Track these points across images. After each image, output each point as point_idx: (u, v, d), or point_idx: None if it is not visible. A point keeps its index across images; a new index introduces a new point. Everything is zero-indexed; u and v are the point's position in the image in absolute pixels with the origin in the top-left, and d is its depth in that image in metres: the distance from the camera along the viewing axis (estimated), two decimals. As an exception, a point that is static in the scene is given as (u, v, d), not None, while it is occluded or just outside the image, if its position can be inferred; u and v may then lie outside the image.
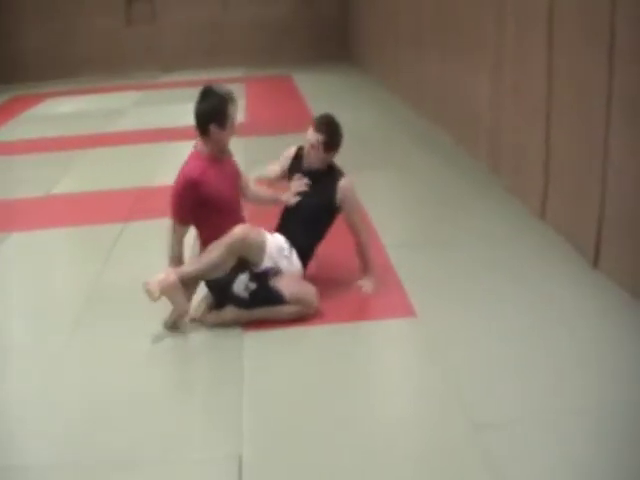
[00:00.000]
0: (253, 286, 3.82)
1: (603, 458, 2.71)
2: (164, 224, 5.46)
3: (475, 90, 6.72)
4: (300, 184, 4.13)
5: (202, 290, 3.97)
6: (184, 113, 10.20)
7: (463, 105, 7.13)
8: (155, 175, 6.92)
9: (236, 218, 3.92)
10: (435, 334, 3.67)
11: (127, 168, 7.35)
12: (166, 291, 3.71)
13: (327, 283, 4.16)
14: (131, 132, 9.19)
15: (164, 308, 4.04)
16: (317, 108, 9.97)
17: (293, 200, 4.11)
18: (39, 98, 12.54)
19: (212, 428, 3.08)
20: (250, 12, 14.94)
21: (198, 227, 3.93)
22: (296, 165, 4.26)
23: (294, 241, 4.03)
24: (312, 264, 4.23)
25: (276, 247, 3.92)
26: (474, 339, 3.60)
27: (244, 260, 3.80)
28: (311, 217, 4.09)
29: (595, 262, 4.27)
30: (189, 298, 3.86)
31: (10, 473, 2.84)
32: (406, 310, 3.93)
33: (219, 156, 3.91)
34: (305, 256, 4.11)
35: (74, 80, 14.38)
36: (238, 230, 3.75)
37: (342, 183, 4.08)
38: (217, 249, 3.74)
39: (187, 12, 15.04)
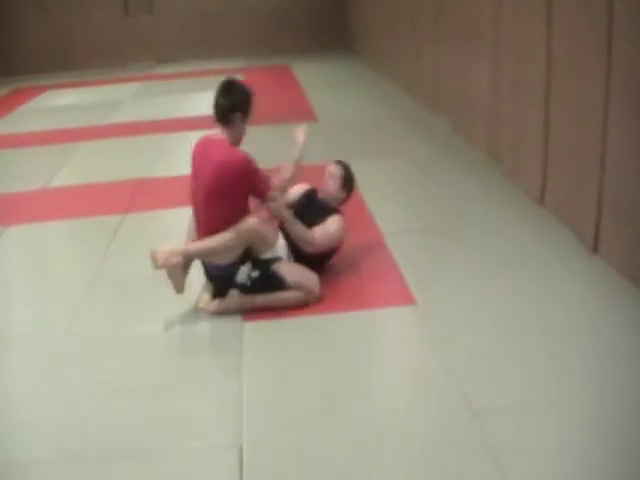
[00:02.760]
0: (256, 274, 3.84)
1: (602, 445, 2.71)
2: (163, 215, 5.53)
3: (474, 77, 6.70)
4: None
5: (204, 279, 3.98)
6: (183, 104, 10.32)
7: (461, 92, 7.11)
8: (154, 167, 6.93)
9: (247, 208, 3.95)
10: (435, 321, 3.68)
11: (126, 160, 7.34)
12: (167, 268, 3.78)
13: (327, 272, 4.17)
14: (130, 124, 9.17)
15: (164, 299, 4.07)
16: (316, 98, 10.00)
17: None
18: (38, 90, 12.51)
19: (212, 417, 3.08)
20: (248, 2, 14.88)
21: (228, 211, 3.83)
22: (306, 201, 4.30)
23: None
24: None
25: (284, 248, 3.98)
26: (474, 326, 3.60)
27: (249, 251, 3.83)
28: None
29: (594, 248, 4.26)
30: (186, 276, 3.89)
31: (9, 467, 2.85)
32: (406, 298, 3.93)
33: (238, 146, 3.95)
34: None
35: (73, 72, 14.34)
36: (253, 221, 3.79)
37: (335, 217, 4.14)
38: (231, 233, 3.76)
39: (185, 3, 14.98)
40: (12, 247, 5.21)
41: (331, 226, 4.10)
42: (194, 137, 8.59)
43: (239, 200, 3.86)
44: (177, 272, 3.79)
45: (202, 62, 14.31)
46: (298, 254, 4.02)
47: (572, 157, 4.60)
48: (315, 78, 11.62)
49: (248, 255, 3.84)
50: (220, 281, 3.89)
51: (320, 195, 4.31)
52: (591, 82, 4.25)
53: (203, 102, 10.44)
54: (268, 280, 3.85)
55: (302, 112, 8.70)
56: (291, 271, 3.89)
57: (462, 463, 2.67)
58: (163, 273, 3.81)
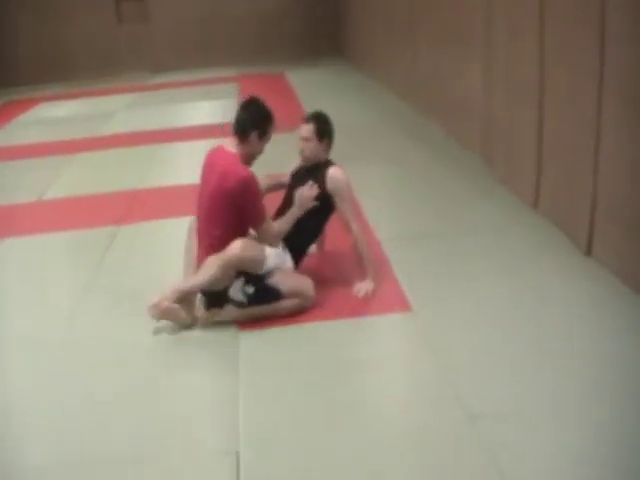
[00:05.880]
0: (251, 290, 3.83)
1: (599, 448, 2.71)
2: (158, 226, 5.53)
3: (467, 81, 6.73)
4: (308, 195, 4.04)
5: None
6: (178, 114, 10.33)
7: (455, 96, 7.13)
8: (149, 177, 6.93)
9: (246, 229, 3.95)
10: (431, 328, 3.68)
11: (120, 171, 7.33)
12: (163, 316, 3.78)
13: (323, 279, 4.17)
14: (124, 134, 9.18)
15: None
16: (310, 105, 9.92)
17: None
18: (32, 102, 12.52)
19: (209, 423, 3.08)
20: (242, 10, 14.91)
21: (229, 230, 3.84)
22: (296, 174, 4.26)
23: (290, 237, 4.03)
24: (312, 260, 4.24)
25: (275, 255, 3.93)
26: (469, 331, 3.60)
27: (240, 271, 3.82)
28: (307, 210, 4.08)
29: (588, 250, 4.27)
30: (191, 308, 3.87)
31: (6, 471, 2.85)
32: (401, 304, 3.93)
33: (249, 164, 3.93)
34: (300, 253, 4.12)
35: (67, 82, 14.36)
36: (236, 246, 3.75)
37: (331, 171, 4.10)
38: (215, 264, 3.75)
39: (178, 11, 15.00)
40: (7, 260, 5.21)
41: (349, 195, 4.11)
42: (189, 147, 8.63)
43: (235, 216, 3.83)
44: (175, 314, 3.78)
45: (197, 71, 14.34)
46: (295, 244, 4.02)
47: (566, 160, 4.61)
48: (310, 84, 11.64)
49: (240, 273, 3.82)
50: (214, 296, 3.89)
51: (304, 163, 4.20)
52: (584, 85, 4.26)
53: (198, 112, 10.55)
54: (264, 294, 3.84)
55: (296, 119, 8.72)
56: (285, 280, 3.89)
57: (459, 467, 2.67)
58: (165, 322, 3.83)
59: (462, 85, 6.89)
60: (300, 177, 4.18)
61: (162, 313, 3.77)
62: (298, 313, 3.87)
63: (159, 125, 9.53)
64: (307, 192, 4.00)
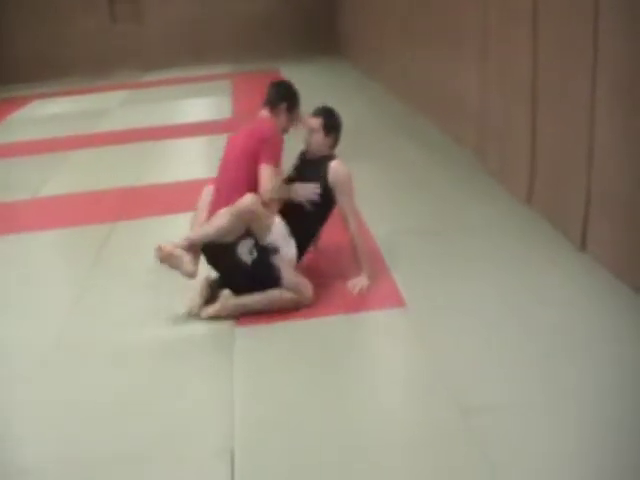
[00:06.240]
0: (256, 254, 3.87)
1: (592, 441, 2.73)
2: (153, 223, 5.53)
3: (461, 78, 6.74)
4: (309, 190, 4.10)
5: (198, 284, 3.97)
6: (171, 112, 10.32)
7: (449, 93, 7.14)
8: (143, 174, 6.92)
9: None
10: (425, 323, 3.69)
11: (114, 168, 7.33)
12: (166, 259, 3.81)
13: (318, 275, 4.18)
14: (118, 132, 9.18)
15: (155, 306, 4.07)
16: (305, 101, 9.97)
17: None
18: (26, 100, 12.50)
19: (204, 422, 3.08)
20: (236, 8, 14.89)
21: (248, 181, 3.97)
22: (299, 167, 4.28)
23: (293, 228, 4.05)
24: (308, 256, 4.26)
25: (281, 231, 3.97)
26: (463, 326, 3.61)
27: (250, 232, 3.86)
28: (309, 202, 4.10)
29: (582, 245, 4.29)
30: (196, 260, 3.89)
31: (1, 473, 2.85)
32: (396, 300, 3.94)
33: (282, 132, 4.18)
34: (302, 246, 4.13)
35: (60, 80, 14.34)
36: (249, 199, 3.81)
37: (333, 164, 4.11)
38: (226, 214, 3.80)
39: (172, 10, 14.99)
40: (1, 257, 5.20)
41: (350, 190, 4.13)
42: (182, 144, 8.63)
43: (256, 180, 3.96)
44: (179, 259, 3.80)
45: (190, 69, 14.33)
46: (298, 236, 4.03)
47: (559, 156, 4.63)
48: (305, 82, 11.53)
49: (249, 234, 3.87)
50: (222, 250, 3.88)
51: (309, 154, 4.24)
52: (578, 82, 4.27)
53: (191, 109, 10.54)
54: (266, 269, 3.87)
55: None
56: (289, 271, 3.92)
57: (452, 460, 2.68)
58: (165, 268, 3.86)
59: (457, 83, 6.90)
60: (303, 170, 4.20)
61: (166, 255, 3.80)
62: (293, 309, 3.87)
63: (153, 122, 9.52)
64: (311, 188, 4.05)
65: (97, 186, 6.64)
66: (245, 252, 3.86)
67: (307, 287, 3.93)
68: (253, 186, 3.92)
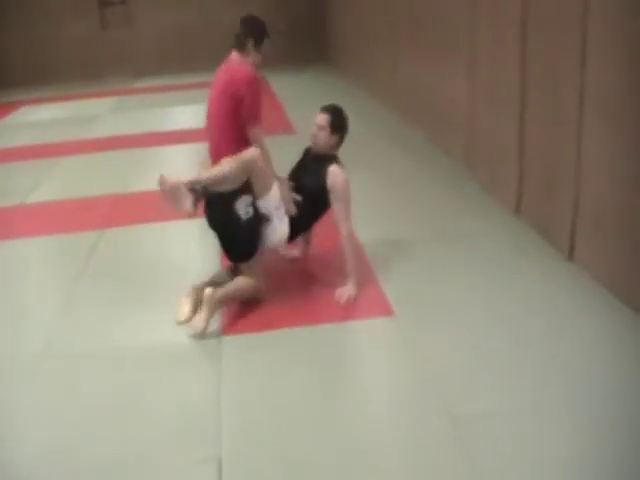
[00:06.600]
0: (251, 212, 3.95)
1: (581, 449, 2.74)
2: (142, 230, 5.51)
3: (450, 88, 6.77)
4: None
5: (186, 291, 3.95)
6: (161, 118, 10.30)
7: (438, 103, 7.17)
8: (132, 181, 6.91)
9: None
10: (413, 332, 3.70)
11: (104, 175, 7.31)
12: (169, 191, 3.86)
13: (307, 284, 4.19)
14: (108, 138, 9.16)
15: (143, 314, 4.06)
16: (293, 110, 10.02)
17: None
18: (15, 105, 12.46)
19: (191, 430, 3.07)
20: (226, 16, 14.89)
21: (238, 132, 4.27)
22: (301, 164, 4.32)
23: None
24: (297, 264, 4.25)
25: (277, 199, 4.04)
26: (451, 335, 3.62)
27: (250, 187, 3.95)
28: (306, 198, 4.13)
29: (570, 255, 4.32)
30: (197, 202, 3.93)
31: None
32: (384, 309, 3.95)
33: (256, 68, 4.43)
34: (293, 231, 4.15)
35: (50, 86, 14.29)
36: (253, 151, 3.97)
37: (332, 168, 4.12)
38: (231, 162, 3.90)
39: (162, 17, 14.99)
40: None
41: (345, 197, 4.11)
42: (173, 151, 8.60)
43: (239, 113, 4.25)
44: (180, 194, 3.83)
45: (180, 76, 14.32)
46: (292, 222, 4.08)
47: (547, 166, 4.66)
48: (293, 90, 11.65)
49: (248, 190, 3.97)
50: (221, 201, 3.93)
51: (313, 150, 4.26)
52: (566, 93, 4.31)
53: (181, 116, 10.52)
54: (254, 234, 4.00)
55: (279, 123, 8.75)
56: (266, 255, 4.14)
57: (440, 468, 2.69)
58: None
59: (445, 92, 6.93)
60: (304, 170, 4.23)
61: (170, 187, 3.83)
62: (253, 297, 4.01)
63: (144, 129, 9.50)
64: (292, 198, 4.09)
65: (87, 193, 6.61)
66: (242, 207, 3.93)
67: (263, 281, 4.04)
68: (242, 146, 4.10)
